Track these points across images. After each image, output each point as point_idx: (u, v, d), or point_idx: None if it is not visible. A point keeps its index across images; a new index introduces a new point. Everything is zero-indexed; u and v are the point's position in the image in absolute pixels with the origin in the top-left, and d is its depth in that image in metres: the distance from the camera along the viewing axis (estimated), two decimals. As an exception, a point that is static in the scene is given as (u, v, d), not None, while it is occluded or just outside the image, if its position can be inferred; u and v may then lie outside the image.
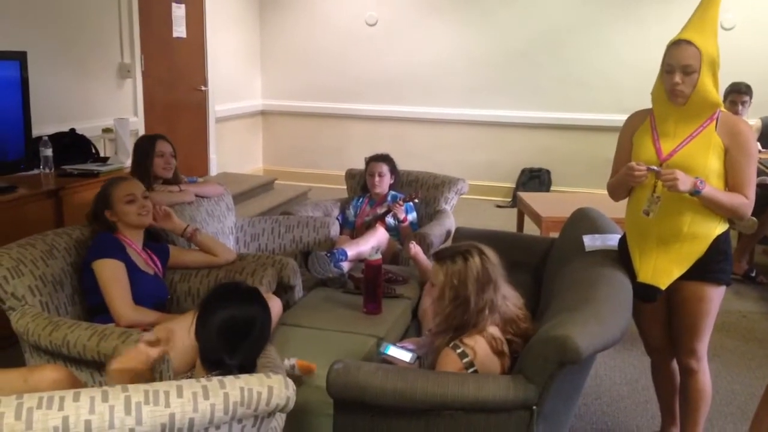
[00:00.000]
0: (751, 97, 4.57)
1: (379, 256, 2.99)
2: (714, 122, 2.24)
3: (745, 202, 2.24)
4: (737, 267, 4.60)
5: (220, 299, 1.81)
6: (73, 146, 4.28)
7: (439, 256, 2.24)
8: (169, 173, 3.47)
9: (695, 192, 2.18)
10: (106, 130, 4.64)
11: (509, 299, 2.22)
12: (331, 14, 7.16)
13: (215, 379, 1.48)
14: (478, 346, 2.08)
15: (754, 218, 2.59)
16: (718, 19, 2.25)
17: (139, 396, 1.39)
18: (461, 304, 2.12)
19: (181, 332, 1.89)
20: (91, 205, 2.76)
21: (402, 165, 4.33)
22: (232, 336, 1.77)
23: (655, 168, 2.23)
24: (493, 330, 2.12)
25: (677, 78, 2.19)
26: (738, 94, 4.43)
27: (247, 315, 1.80)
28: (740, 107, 4.46)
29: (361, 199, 4.18)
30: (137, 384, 1.44)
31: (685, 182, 2.16)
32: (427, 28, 6.94)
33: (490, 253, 2.20)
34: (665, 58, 2.24)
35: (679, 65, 2.18)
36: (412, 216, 4.00)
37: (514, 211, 4.81)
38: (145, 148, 3.43)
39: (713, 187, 2.22)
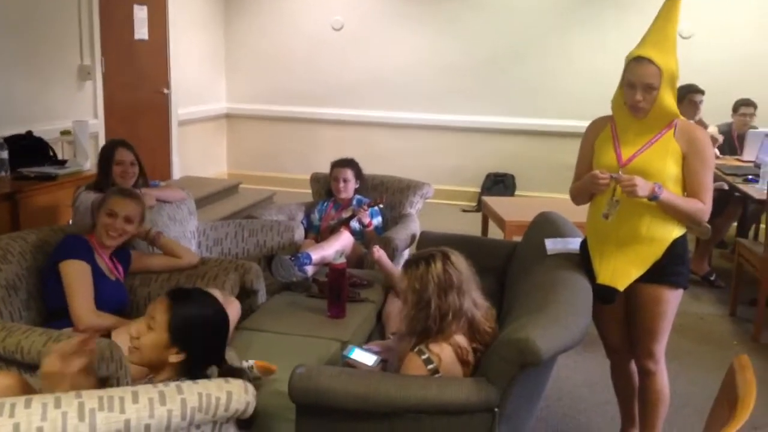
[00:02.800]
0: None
1: (343, 259, 2.99)
2: (672, 129, 2.30)
3: (702, 207, 2.30)
4: (699, 267, 4.71)
5: (195, 302, 1.80)
6: (30, 149, 4.17)
7: (406, 262, 2.24)
8: (128, 182, 3.27)
9: (653, 197, 2.23)
10: (65, 133, 4.54)
11: (480, 308, 2.19)
12: (297, 18, 7.14)
13: (172, 384, 1.46)
14: (444, 353, 2.08)
15: (708, 225, 2.67)
16: (676, 32, 2.30)
17: (93, 402, 1.36)
18: (423, 308, 2.11)
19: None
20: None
21: (368, 169, 4.32)
22: (220, 335, 1.82)
23: (616, 175, 2.27)
24: (460, 339, 2.11)
25: (638, 96, 2.24)
26: (695, 93, 4.53)
27: (222, 312, 1.84)
28: (699, 106, 4.56)
29: (326, 203, 4.16)
30: (90, 389, 1.41)
31: (643, 188, 2.21)
32: (393, 34, 6.96)
33: (457, 259, 2.17)
34: (626, 73, 2.28)
35: (641, 83, 2.23)
36: (377, 220, 4.00)
37: (480, 215, 4.84)
38: (105, 155, 3.33)
39: (671, 193, 2.27)
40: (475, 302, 2.18)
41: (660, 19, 2.30)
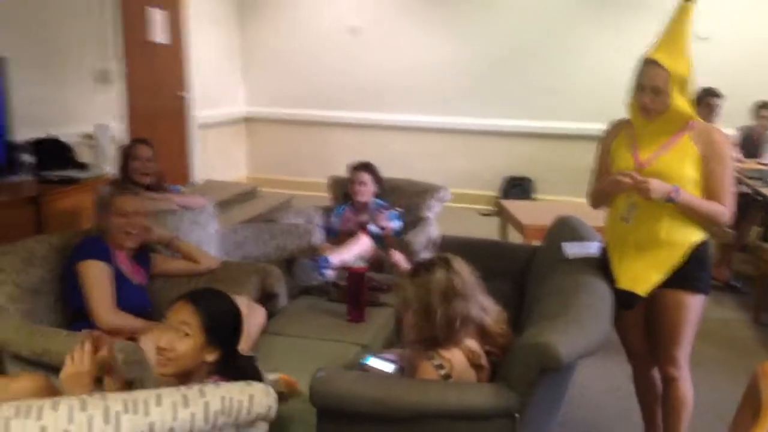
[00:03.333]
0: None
1: (363, 264, 2.99)
2: (690, 132, 2.28)
3: (721, 209, 2.27)
4: (720, 274, 4.66)
5: (216, 301, 1.85)
6: (53, 152, 4.23)
7: (410, 270, 2.22)
8: (147, 179, 3.35)
9: (669, 200, 2.21)
10: (87, 137, 4.60)
11: (489, 313, 2.17)
12: (312, 22, 7.17)
13: (195, 388, 1.47)
14: (455, 358, 2.06)
15: (729, 230, 2.66)
16: (689, 35, 2.28)
17: (118, 405, 1.37)
18: (429, 316, 2.08)
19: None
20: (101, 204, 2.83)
21: (384, 172, 4.32)
22: (240, 325, 1.88)
23: (633, 176, 2.25)
24: (471, 343, 2.10)
25: (647, 98, 2.24)
26: (713, 97, 4.49)
27: (233, 302, 1.90)
28: (716, 110, 4.52)
29: (344, 207, 4.17)
30: (114, 392, 1.42)
31: (657, 190, 2.20)
32: (408, 36, 6.97)
33: (459, 265, 2.13)
34: (637, 76, 2.29)
35: (649, 86, 2.24)
36: (396, 224, 4.00)
37: (497, 219, 4.83)
38: (124, 152, 3.40)
39: (689, 195, 2.24)
40: (483, 307, 2.15)
41: (672, 23, 2.30)
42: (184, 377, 1.76)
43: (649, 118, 2.28)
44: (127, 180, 3.33)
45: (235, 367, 1.82)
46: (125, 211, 2.71)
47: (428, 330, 2.08)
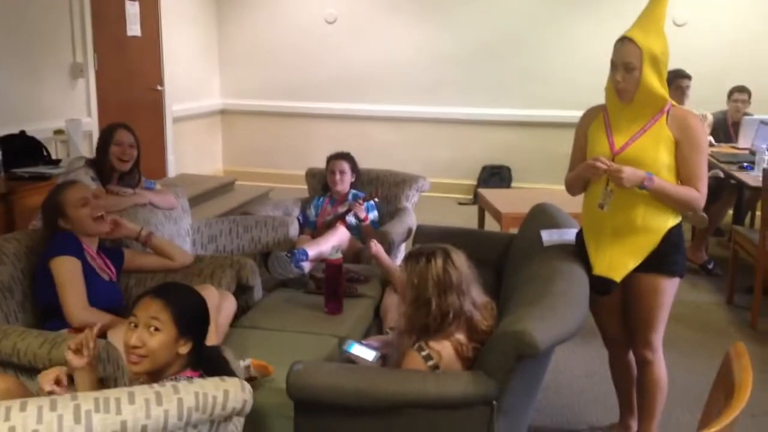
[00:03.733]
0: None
1: (339, 255, 2.98)
2: (664, 116, 2.29)
3: (696, 195, 2.29)
4: (696, 257, 4.72)
5: (182, 293, 1.84)
6: (23, 149, 4.15)
7: (408, 255, 2.22)
8: (126, 166, 3.23)
9: (642, 188, 2.23)
10: (58, 132, 4.52)
11: (479, 308, 2.17)
12: (290, 12, 7.11)
13: (168, 384, 1.45)
14: (445, 350, 2.07)
15: (704, 214, 2.67)
16: (664, 17, 2.29)
17: (89, 404, 1.35)
18: (422, 305, 2.08)
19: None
20: (41, 214, 2.70)
21: (363, 163, 4.31)
22: (207, 315, 1.87)
23: (607, 164, 2.26)
24: (460, 336, 2.10)
25: (618, 76, 2.25)
26: (682, 78, 4.52)
27: (197, 292, 1.90)
28: (686, 92, 4.55)
29: (321, 199, 4.15)
30: (91, 387, 1.40)
31: (630, 178, 2.21)
32: (386, 26, 6.94)
33: (458, 258, 2.14)
34: (612, 55, 2.29)
35: (621, 62, 2.24)
36: (373, 215, 3.99)
37: (476, 207, 4.84)
38: (104, 136, 3.28)
39: (663, 181, 2.26)
40: (475, 302, 2.15)
41: (649, 6, 2.30)
42: (157, 373, 1.74)
43: (623, 100, 2.28)
44: (104, 165, 3.22)
45: (205, 358, 1.81)
46: (85, 198, 2.64)
47: (420, 319, 2.09)
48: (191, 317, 1.78)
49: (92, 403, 1.35)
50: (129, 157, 3.23)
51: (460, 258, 2.14)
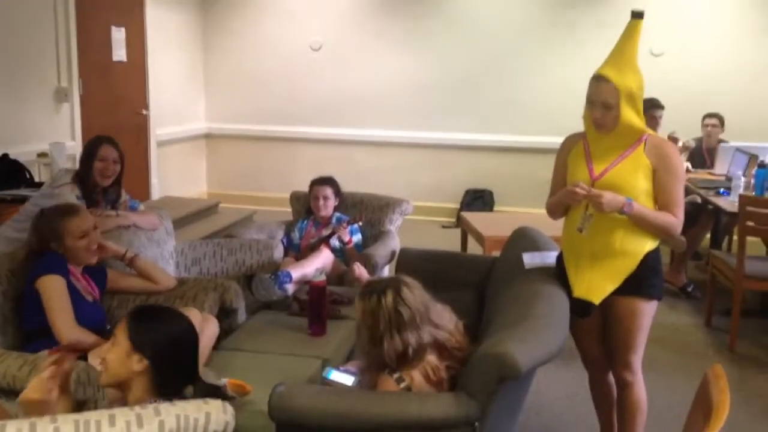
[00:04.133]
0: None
1: (323, 277, 2.99)
2: (642, 144, 2.35)
3: (673, 221, 2.34)
4: (676, 279, 4.78)
5: (163, 323, 1.79)
6: (6, 171, 4.14)
7: (360, 293, 2.19)
8: (108, 181, 3.24)
9: (621, 213, 2.27)
10: (42, 155, 4.51)
11: (443, 327, 2.15)
12: (275, 38, 7.17)
13: (150, 407, 1.45)
14: (415, 378, 2.07)
15: (683, 238, 2.72)
16: (636, 52, 2.33)
17: (69, 427, 1.34)
18: (377, 344, 2.07)
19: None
20: (32, 233, 2.68)
21: (347, 187, 4.34)
22: (189, 355, 1.79)
23: (587, 189, 2.31)
24: (431, 357, 2.10)
25: (597, 113, 2.30)
26: (655, 108, 4.61)
27: (190, 329, 1.82)
28: (659, 121, 4.64)
29: (306, 222, 4.17)
30: (66, 412, 1.39)
31: (610, 203, 2.26)
32: (370, 53, 7.02)
33: (409, 293, 2.10)
34: (588, 91, 2.34)
35: (598, 101, 2.29)
36: (357, 238, 4.01)
37: (459, 231, 4.87)
38: (88, 150, 3.28)
39: (642, 207, 2.31)
40: (437, 325, 2.13)
41: (623, 37, 2.35)
42: (125, 390, 1.74)
43: (601, 132, 2.34)
44: (87, 179, 3.22)
45: (180, 395, 1.76)
46: (86, 231, 2.66)
47: (379, 356, 2.08)
48: (147, 331, 1.75)
49: (72, 426, 1.35)
50: (112, 172, 3.25)
51: (412, 292, 2.11)
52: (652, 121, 4.51)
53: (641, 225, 2.34)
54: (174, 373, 1.78)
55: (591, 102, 2.32)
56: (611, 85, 2.26)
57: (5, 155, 4.22)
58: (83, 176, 3.21)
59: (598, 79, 2.30)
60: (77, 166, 3.54)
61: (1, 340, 2.50)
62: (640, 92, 2.30)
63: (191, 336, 1.83)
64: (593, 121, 2.33)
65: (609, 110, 2.28)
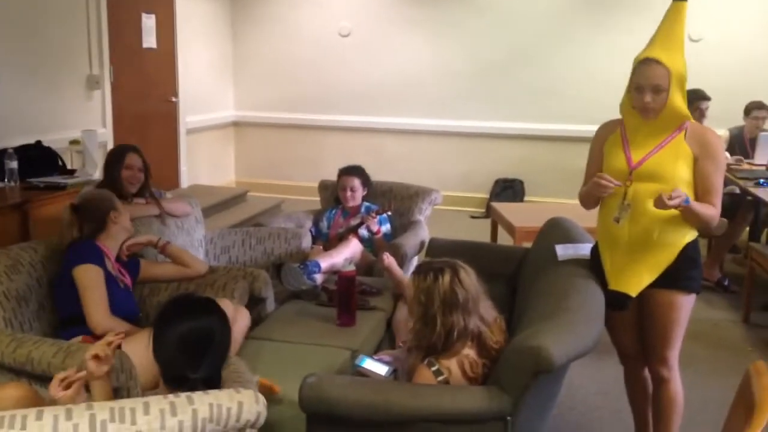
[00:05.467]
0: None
1: (352, 267, 2.97)
2: (683, 132, 2.28)
3: (713, 212, 2.28)
4: (710, 274, 4.67)
5: (175, 313, 1.76)
6: (39, 159, 4.19)
7: (416, 269, 2.20)
8: (134, 188, 3.32)
9: (676, 207, 2.18)
10: (74, 142, 4.56)
11: (488, 324, 2.14)
12: (303, 25, 7.15)
13: (183, 395, 1.45)
14: (453, 368, 2.06)
15: (724, 219, 2.64)
16: (684, 34, 2.28)
17: (104, 414, 1.35)
18: (428, 322, 2.07)
19: (143, 347, 1.83)
20: (94, 202, 2.75)
21: (376, 176, 4.31)
22: (192, 350, 1.70)
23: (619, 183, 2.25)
24: (471, 352, 2.08)
25: (648, 98, 2.22)
26: (702, 100, 4.51)
27: (204, 326, 1.74)
28: (705, 113, 4.54)
29: (334, 211, 4.16)
30: (106, 396, 1.40)
31: (682, 197, 2.17)
32: (400, 39, 6.97)
33: (466, 276, 2.10)
34: (634, 76, 2.27)
35: (649, 85, 2.22)
36: (386, 227, 3.99)
37: (489, 221, 4.82)
38: (114, 158, 3.35)
39: (696, 202, 2.24)
40: (483, 318, 2.13)
41: (667, 21, 2.29)
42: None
43: (647, 118, 2.27)
44: (114, 186, 3.27)
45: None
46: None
47: (427, 337, 2.07)
48: (158, 322, 1.75)
49: (107, 413, 1.35)
50: (137, 180, 3.33)
51: (468, 276, 2.12)
52: (697, 112, 4.41)
53: (688, 218, 2.27)
54: (176, 369, 1.72)
55: (639, 87, 2.24)
56: (662, 67, 2.19)
57: (38, 142, 4.27)
58: (110, 185, 3.24)
59: (647, 62, 2.22)
60: (107, 149, 3.65)
61: (36, 326, 2.53)
62: (686, 75, 2.24)
63: (225, 337, 1.78)
64: (642, 107, 2.25)
65: (659, 94, 2.21)
